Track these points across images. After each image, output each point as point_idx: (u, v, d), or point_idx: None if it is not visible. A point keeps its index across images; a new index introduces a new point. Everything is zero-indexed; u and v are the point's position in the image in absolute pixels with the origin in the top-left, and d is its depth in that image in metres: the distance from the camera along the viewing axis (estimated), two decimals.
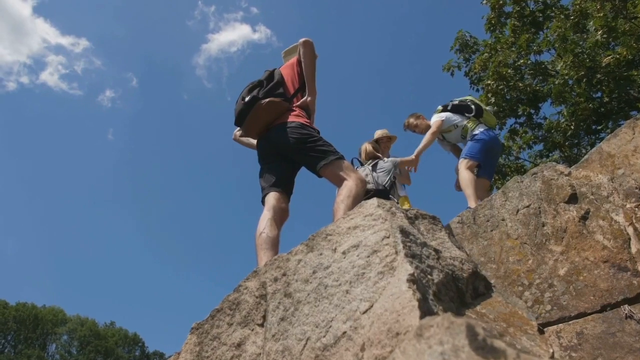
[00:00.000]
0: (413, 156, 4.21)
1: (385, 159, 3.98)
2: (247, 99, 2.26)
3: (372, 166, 3.74)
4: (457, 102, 4.50)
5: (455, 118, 4.43)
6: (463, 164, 4.03)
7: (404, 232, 0.91)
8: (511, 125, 8.64)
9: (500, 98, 7.53)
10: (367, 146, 4.12)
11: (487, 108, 4.57)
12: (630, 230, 2.15)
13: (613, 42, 5.73)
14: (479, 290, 0.97)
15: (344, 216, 1.03)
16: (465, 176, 3.90)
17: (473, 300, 0.94)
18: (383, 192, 3.49)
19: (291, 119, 2.21)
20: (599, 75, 5.83)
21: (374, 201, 1.01)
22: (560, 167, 2.70)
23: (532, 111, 8.61)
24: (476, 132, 4.27)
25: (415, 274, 0.81)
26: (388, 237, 0.89)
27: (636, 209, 2.19)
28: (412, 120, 4.67)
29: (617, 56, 5.61)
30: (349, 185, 1.96)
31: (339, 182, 2.04)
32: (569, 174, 2.60)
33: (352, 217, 1.01)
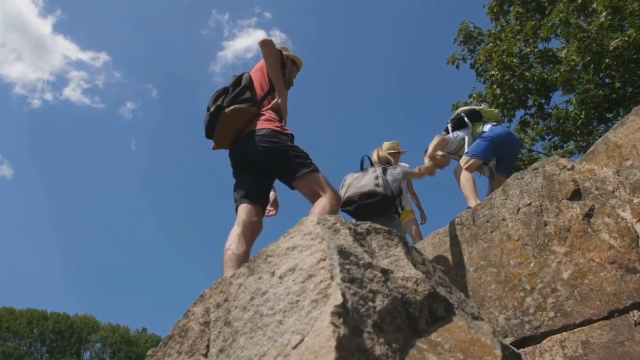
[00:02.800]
0: (427, 163, 3.68)
1: (396, 166, 3.70)
2: (212, 109, 2.15)
3: (382, 170, 3.38)
4: (452, 120, 4.22)
5: (459, 133, 4.08)
6: (462, 162, 3.73)
7: (343, 253, 0.80)
8: (521, 117, 8.37)
9: (506, 89, 7.26)
10: (382, 152, 3.81)
11: (482, 105, 4.28)
12: (638, 227, 1.97)
13: (619, 23, 5.42)
14: (437, 314, 0.86)
15: (285, 235, 0.93)
16: (462, 177, 3.61)
17: (428, 327, 0.82)
18: (390, 199, 3.12)
19: (260, 125, 2.08)
20: (607, 60, 5.54)
21: (314, 218, 0.91)
22: (563, 160, 2.53)
23: (543, 101, 8.30)
24: (484, 129, 3.92)
25: (349, 304, 0.70)
26: (324, 260, 0.78)
27: None
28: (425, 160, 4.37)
29: (626, 38, 5.30)
30: (322, 203, 1.83)
31: (312, 197, 1.91)
32: (572, 167, 2.43)
33: (292, 235, 0.91)
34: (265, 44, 2.20)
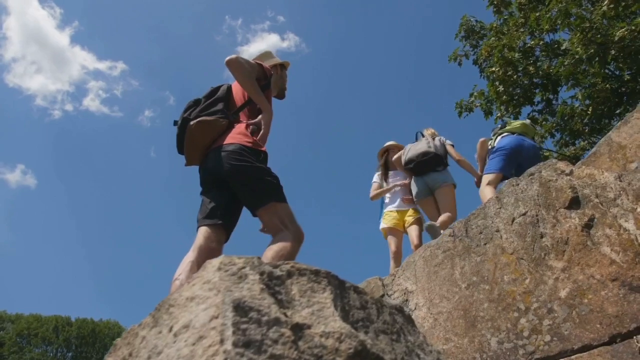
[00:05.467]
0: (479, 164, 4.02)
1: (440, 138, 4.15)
2: (178, 122, 2.01)
3: (432, 138, 4.14)
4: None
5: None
6: (484, 181, 3.73)
7: (240, 308, 0.66)
8: (528, 114, 8.02)
9: (509, 85, 6.96)
10: (430, 129, 4.39)
11: (527, 121, 4.15)
12: None
13: (624, 11, 5.10)
14: None
15: (188, 280, 0.79)
16: (485, 193, 3.61)
17: None
18: (439, 157, 3.91)
19: (229, 140, 1.88)
20: (613, 52, 5.25)
21: (216, 262, 0.77)
22: (561, 164, 2.34)
23: (552, 96, 7.98)
24: (494, 144, 3.89)
25: None
26: (217, 318, 0.65)
27: None
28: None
29: (633, 28, 4.98)
30: (282, 242, 1.66)
31: (273, 231, 1.75)
32: (571, 172, 2.24)
33: (194, 283, 0.77)
34: (230, 64, 1.99)
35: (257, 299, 0.72)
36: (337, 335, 0.72)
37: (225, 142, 1.90)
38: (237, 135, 1.93)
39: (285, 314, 0.73)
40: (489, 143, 4.06)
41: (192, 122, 1.94)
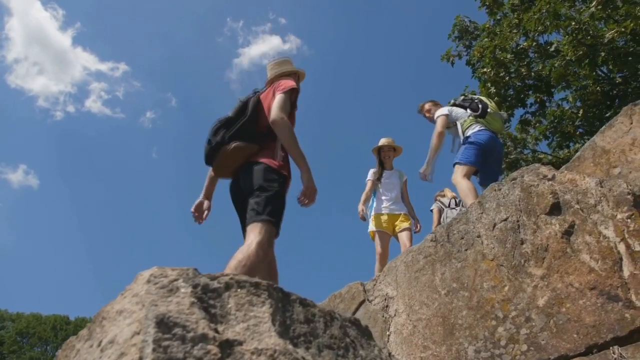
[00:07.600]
0: (425, 166, 3.77)
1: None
2: (213, 143, 2.12)
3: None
4: (463, 98, 4.00)
5: (461, 113, 3.82)
6: (459, 172, 3.55)
7: (163, 324, 0.62)
8: (521, 116, 7.98)
9: (501, 87, 6.89)
10: (450, 191, 4.50)
11: (502, 113, 3.97)
12: (621, 247, 1.74)
13: (613, 13, 5.04)
14: None
15: (122, 292, 0.76)
16: (464, 185, 3.45)
17: None
18: None
19: (258, 158, 2.06)
20: (603, 54, 5.14)
21: (147, 274, 0.72)
22: (544, 169, 2.30)
23: (546, 98, 7.93)
24: (469, 132, 3.70)
25: None
26: (138, 334, 0.61)
27: (628, 219, 1.78)
28: (427, 105, 4.26)
29: (623, 29, 4.93)
30: (247, 252, 1.70)
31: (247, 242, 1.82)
32: (553, 177, 2.20)
33: (125, 295, 0.73)
34: (276, 125, 2.09)
35: (185, 313, 0.68)
36: (271, 352, 0.68)
37: (255, 160, 2.08)
38: (265, 156, 2.10)
39: (216, 330, 0.69)
40: (460, 123, 3.80)
41: (228, 147, 2.09)
